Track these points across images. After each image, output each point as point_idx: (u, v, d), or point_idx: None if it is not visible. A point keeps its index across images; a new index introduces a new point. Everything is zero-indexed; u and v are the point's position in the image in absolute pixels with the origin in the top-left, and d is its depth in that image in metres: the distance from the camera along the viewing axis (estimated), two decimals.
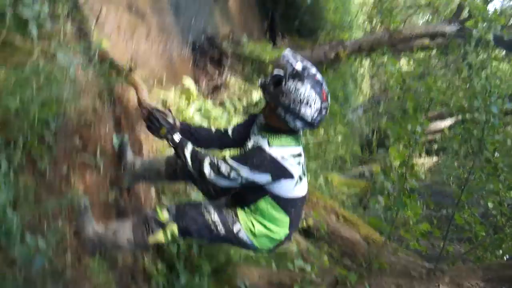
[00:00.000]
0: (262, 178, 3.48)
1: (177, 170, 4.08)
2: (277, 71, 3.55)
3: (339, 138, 8.98)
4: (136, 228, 3.61)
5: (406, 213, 5.48)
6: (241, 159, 3.50)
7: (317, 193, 7.11)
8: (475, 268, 4.92)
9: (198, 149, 3.66)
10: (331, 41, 9.64)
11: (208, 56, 8.36)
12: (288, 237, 3.84)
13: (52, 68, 3.41)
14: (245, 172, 3.45)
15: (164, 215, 3.59)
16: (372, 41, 9.70)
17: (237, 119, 6.53)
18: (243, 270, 5.12)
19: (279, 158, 3.46)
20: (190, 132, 3.95)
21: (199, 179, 3.62)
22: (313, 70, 3.48)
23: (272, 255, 5.22)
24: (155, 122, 3.70)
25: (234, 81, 7.91)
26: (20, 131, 3.20)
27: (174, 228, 3.59)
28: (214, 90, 7.86)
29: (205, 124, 5.66)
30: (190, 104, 5.78)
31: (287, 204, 3.66)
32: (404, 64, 13.68)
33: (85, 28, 4.33)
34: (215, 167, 3.51)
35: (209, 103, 6.05)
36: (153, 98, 5.39)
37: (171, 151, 3.85)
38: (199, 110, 5.74)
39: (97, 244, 3.59)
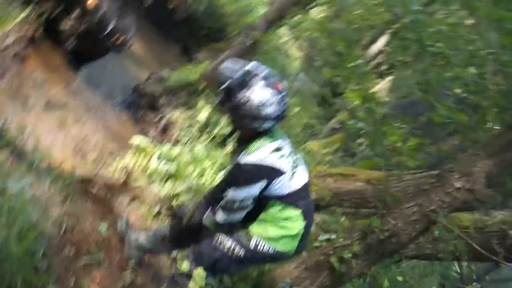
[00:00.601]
0: (258, 186, 3.51)
1: (182, 232, 4.07)
2: (222, 89, 3.56)
3: (296, 109, 9.00)
4: None
5: (390, 140, 5.54)
6: (233, 184, 3.55)
7: None
8: (475, 151, 4.99)
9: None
10: (240, 30, 9.65)
11: (142, 106, 8.35)
12: (308, 226, 3.81)
13: (9, 200, 3.39)
14: (243, 193, 3.51)
15: (185, 266, 3.65)
16: (278, 8, 9.74)
17: (199, 146, 6.55)
18: (279, 273, 5.16)
19: (258, 162, 3.48)
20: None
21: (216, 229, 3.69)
22: (255, 68, 3.52)
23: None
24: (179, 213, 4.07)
25: (177, 114, 7.91)
26: (9, 275, 3.18)
27: (199, 271, 3.61)
28: (164, 132, 7.86)
29: (174, 166, 5.67)
30: (150, 157, 5.77)
31: (292, 199, 3.65)
32: (317, 13, 13.77)
33: (19, 149, 4.31)
34: (223, 209, 3.64)
35: (165, 147, 6.04)
36: (113, 172, 5.43)
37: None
38: (160, 158, 5.73)
39: None
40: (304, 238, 3.82)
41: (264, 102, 3.44)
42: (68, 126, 6.11)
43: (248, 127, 3.56)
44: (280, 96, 3.49)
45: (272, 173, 3.52)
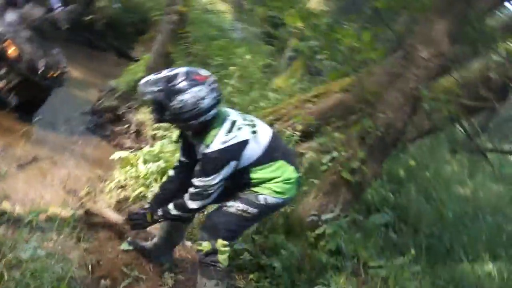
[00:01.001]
0: (231, 167, 3.63)
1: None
2: (153, 106, 3.68)
3: (248, 57, 8.97)
4: (209, 275, 3.74)
5: (346, 43, 5.56)
6: (202, 174, 3.64)
7: (281, 106, 7.15)
8: (427, 18, 5.03)
9: (176, 200, 3.85)
10: (162, 13, 9.55)
11: (106, 123, 8.31)
12: (297, 168, 3.96)
13: (27, 267, 3.39)
14: (216, 179, 3.62)
15: (205, 245, 3.71)
16: None
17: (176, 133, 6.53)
18: (302, 210, 5.24)
19: (221, 146, 3.58)
20: (161, 198, 4.11)
21: (197, 213, 3.93)
22: (170, 73, 3.57)
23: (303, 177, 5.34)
24: (138, 221, 4.08)
25: (142, 115, 7.88)
26: None
27: (221, 243, 3.71)
28: (138, 136, 7.85)
29: (162, 162, 5.66)
30: (137, 165, 5.76)
31: (267, 156, 3.77)
32: None
33: (13, 216, 4.27)
34: (196, 197, 3.70)
35: (145, 149, 6.02)
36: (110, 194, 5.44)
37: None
38: (146, 162, 5.72)
39: None
40: (299, 178, 3.99)
41: (198, 98, 3.52)
42: (49, 173, 6.13)
43: (196, 125, 3.63)
44: (207, 84, 3.57)
45: (238, 149, 3.64)
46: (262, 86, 8.53)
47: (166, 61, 8.43)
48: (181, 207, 3.78)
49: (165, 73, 3.60)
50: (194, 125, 3.63)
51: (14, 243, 3.57)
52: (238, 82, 8.23)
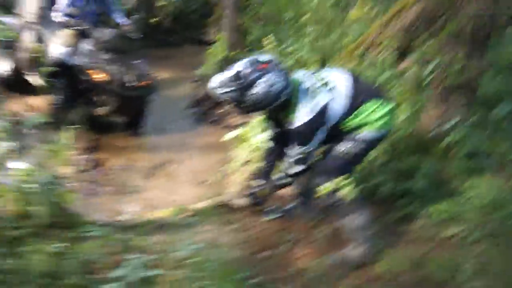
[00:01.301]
0: (322, 131, 3.84)
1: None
2: (232, 105, 3.92)
3: (315, 1, 8.80)
4: (345, 214, 3.94)
5: None
6: (296, 144, 3.86)
7: (365, 36, 6.99)
8: None
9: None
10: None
11: (209, 110, 8.47)
12: (385, 99, 4.03)
13: (200, 265, 3.55)
14: (311, 146, 3.86)
15: (326, 187, 3.89)
16: None
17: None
18: (420, 124, 5.15)
19: (307, 118, 3.77)
20: (268, 170, 4.44)
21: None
22: (238, 69, 3.79)
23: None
24: (257, 199, 4.44)
25: None
26: None
27: (339, 181, 3.90)
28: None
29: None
30: (250, 138, 5.85)
31: (353, 104, 3.88)
32: None
33: (161, 223, 4.47)
34: (297, 163, 3.96)
35: (253, 121, 6.09)
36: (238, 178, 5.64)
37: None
38: (257, 134, 5.79)
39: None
40: (392, 107, 4.05)
41: (269, 86, 3.72)
42: (176, 173, 6.44)
43: (276, 107, 3.82)
44: (271, 70, 3.76)
45: (322, 115, 3.80)
46: (340, 23, 8.37)
47: (240, 33, 8.46)
48: (289, 173, 4.03)
49: (230, 71, 3.81)
50: (274, 108, 3.83)
51: (170, 246, 3.75)
52: (315, 28, 8.13)
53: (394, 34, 6.62)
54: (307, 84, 3.88)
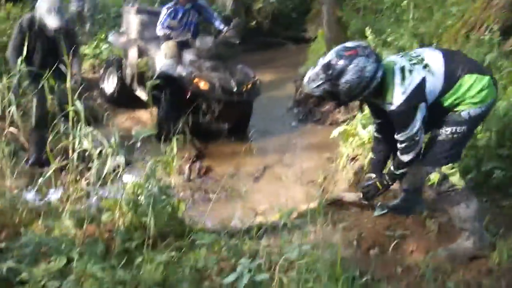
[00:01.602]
0: (422, 109, 3.68)
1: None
2: (326, 95, 3.80)
3: None
4: (455, 202, 3.75)
5: None
6: (400, 128, 3.74)
7: (468, 16, 6.71)
8: None
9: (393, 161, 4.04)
10: None
11: (313, 109, 8.45)
12: (483, 71, 3.85)
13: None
14: (415, 127, 3.68)
15: (433, 176, 3.72)
16: None
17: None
18: None
19: (404, 97, 3.64)
20: (378, 161, 4.31)
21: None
22: (325, 60, 3.70)
23: None
24: (371, 192, 4.22)
25: None
26: None
27: (446, 169, 3.73)
28: (347, 107, 7.85)
29: None
30: (357, 133, 5.77)
31: (450, 80, 3.71)
32: None
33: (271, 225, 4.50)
34: (408, 150, 3.79)
35: (359, 115, 6.00)
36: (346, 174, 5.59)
37: None
38: (364, 126, 5.69)
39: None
40: (491, 78, 3.81)
41: (360, 71, 3.61)
42: (283, 175, 6.44)
43: (371, 91, 3.70)
44: (360, 54, 3.64)
45: (420, 91, 3.66)
46: (441, 5, 8.11)
47: (339, 26, 8.38)
48: (400, 164, 3.88)
49: (320, 64, 3.71)
50: (370, 93, 3.70)
51: (280, 249, 3.74)
52: (416, 13, 7.92)
53: (497, 12, 6.37)
54: (401, 64, 3.74)
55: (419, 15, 7.83)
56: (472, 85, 3.68)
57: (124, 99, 8.19)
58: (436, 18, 7.60)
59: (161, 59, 7.49)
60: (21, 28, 5.88)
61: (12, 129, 4.84)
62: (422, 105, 3.66)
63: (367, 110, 6.01)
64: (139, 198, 3.96)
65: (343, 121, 7.31)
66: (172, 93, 7.17)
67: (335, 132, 6.09)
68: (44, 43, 5.93)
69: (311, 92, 3.82)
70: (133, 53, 8.02)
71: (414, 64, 3.71)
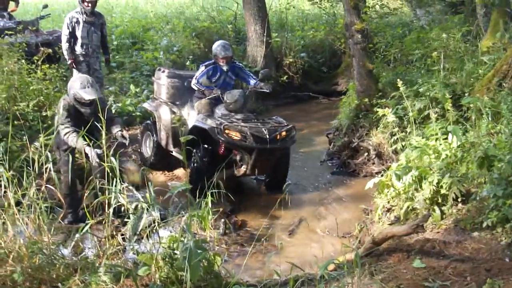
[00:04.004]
0: None
1: None
2: None
3: (443, 35, 8.59)
4: None
5: None
6: None
7: (500, 64, 6.68)
8: None
9: None
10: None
11: (347, 159, 8.46)
12: None
13: None
14: None
15: None
16: None
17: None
18: None
19: None
20: None
21: None
22: None
23: None
24: None
25: (376, 139, 7.98)
26: None
27: None
28: (381, 159, 7.89)
29: (414, 171, 5.56)
30: (392, 184, 5.74)
31: None
32: None
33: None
34: None
35: (393, 166, 5.98)
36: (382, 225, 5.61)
37: None
38: (399, 178, 5.63)
39: None
40: None
41: None
42: (318, 227, 6.53)
43: None
44: None
45: None
46: (472, 55, 8.10)
47: (370, 78, 8.42)
48: None
49: None
50: None
51: None
52: (447, 63, 7.92)
53: None
54: None
55: (450, 65, 7.82)
56: None
57: (162, 161, 8.23)
58: (467, 68, 7.59)
59: (194, 116, 7.60)
60: (68, 111, 6.19)
61: (49, 186, 4.89)
62: None
63: (400, 161, 6.01)
64: (175, 252, 3.96)
65: (377, 172, 7.30)
66: (204, 147, 7.19)
67: (370, 183, 6.06)
68: (82, 121, 6.06)
69: None
70: (166, 115, 8.09)
71: None
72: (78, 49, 8.99)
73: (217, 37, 13.06)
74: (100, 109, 5.10)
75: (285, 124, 7.35)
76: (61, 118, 6.10)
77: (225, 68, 7.86)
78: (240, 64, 8.36)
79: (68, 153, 5.82)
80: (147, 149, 8.50)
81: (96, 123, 5.43)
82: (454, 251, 4.44)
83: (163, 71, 8.42)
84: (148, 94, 10.25)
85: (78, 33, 8.99)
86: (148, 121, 8.61)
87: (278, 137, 7.10)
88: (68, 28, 8.93)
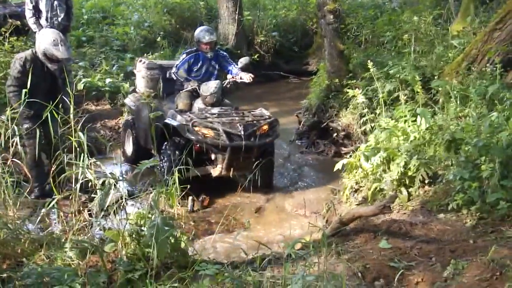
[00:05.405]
0: None
1: None
2: None
3: (415, 18, 8.63)
4: None
5: None
6: None
7: (469, 49, 6.73)
8: None
9: None
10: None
11: (316, 141, 8.48)
12: None
13: None
14: None
15: None
16: None
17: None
18: None
19: None
20: None
21: None
22: None
23: None
24: None
25: (345, 120, 7.97)
26: None
27: None
28: (350, 140, 7.92)
29: (382, 152, 5.60)
30: (360, 165, 5.78)
31: None
32: None
33: None
34: None
35: (362, 147, 6.01)
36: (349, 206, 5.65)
37: None
38: (367, 158, 5.68)
39: None
40: None
41: None
42: (287, 206, 6.55)
43: None
44: None
45: None
46: (442, 38, 8.16)
47: (341, 59, 8.44)
48: None
49: None
50: None
51: (283, 280, 3.70)
52: (417, 46, 7.97)
53: (498, 45, 6.39)
54: None
55: (420, 48, 7.87)
56: None
57: (144, 158, 7.72)
58: (437, 51, 7.64)
59: (172, 112, 6.96)
60: (24, 67, 5.92)
61: (15, 160, 4.82)
62: None
63: (369, 142, 6.05)
64: (142, 229, 3.95)
65: (346, 153, 7.33)
66: (174, 141, 6.68)
67: (339, 164, 6.09)
68: (46, 79, 5.97)
69: None
70: (144, 112, 7.42)
71: None
72: (43, 22, 8.66)
73: (189, 14, 12.96)
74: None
75: (267, 117, 6.80)
76: (13, 71, 5.99)
77: (209, 55, 7.38)
78: (224, 53, 7.89)
79: (34, 126, 5.61)
80: (129, 147, 8.04)
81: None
82: (420, 232, 4.48)
83: (143, 62, 7.88)
84: (118, 70, 10.14)
85: (42, 7, 8.70)
86: (129, 118, 8.20)
87: (257, 132, 6.51)
88: (32, 2, 8.66)
